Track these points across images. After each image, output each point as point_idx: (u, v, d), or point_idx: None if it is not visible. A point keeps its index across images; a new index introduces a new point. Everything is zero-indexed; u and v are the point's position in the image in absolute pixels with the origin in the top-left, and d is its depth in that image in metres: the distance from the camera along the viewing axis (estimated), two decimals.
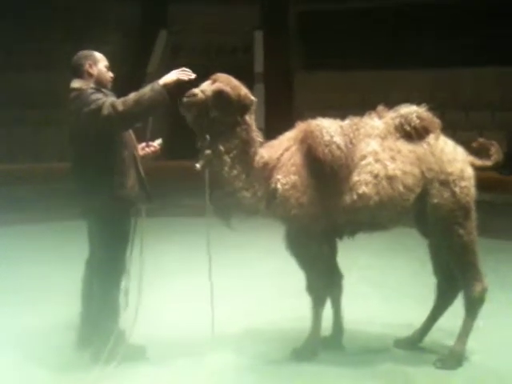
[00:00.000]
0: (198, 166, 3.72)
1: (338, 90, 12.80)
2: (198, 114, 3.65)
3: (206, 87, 3.67)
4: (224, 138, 3.70)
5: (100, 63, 3.89)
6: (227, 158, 3.71)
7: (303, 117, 3.99)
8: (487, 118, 11.54)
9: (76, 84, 3.82)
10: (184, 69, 3.67)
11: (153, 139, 4.22)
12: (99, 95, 3.66)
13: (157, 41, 15.21)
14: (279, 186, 3.74)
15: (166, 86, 3.58)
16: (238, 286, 5.56)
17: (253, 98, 3.76)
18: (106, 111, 3.52)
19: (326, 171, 3.69)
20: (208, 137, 3.67)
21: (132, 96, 3.59)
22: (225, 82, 3.68)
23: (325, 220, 3.76)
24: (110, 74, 3.96)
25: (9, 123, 12.11)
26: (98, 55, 3.94)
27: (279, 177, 3.76)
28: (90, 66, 3.85)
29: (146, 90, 3.58)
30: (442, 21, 12.98)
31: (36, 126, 12.06)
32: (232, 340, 4.33)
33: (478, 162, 3.87)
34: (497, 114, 11.59)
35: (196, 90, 3.63)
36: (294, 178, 3.74)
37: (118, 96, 3.82)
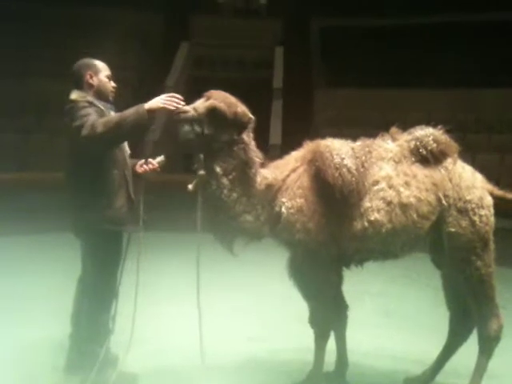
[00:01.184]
0: (189, 186, 3.55)
1: (357, 108, 12.62)
2: (190, 132, 3.45)
3: (199, 104, 3.49)
4: (220, 159, 3.49)
5: (101, 73, 3.74)
6: (226, 181, 3.49)
7: (321, 134, 3.81)
8: (509, 141, 11.23)
9: (73, 95, 3.67)
10: (173, 95, 3.50)
11: (156, 154, 4.02)
12: (89, 110, 3.50)
13: (178, 52, 15.17)
14: (284, 209, 3.52)
15: (150, 111, 3.42)
16: (240, 309, 5.40)
17: (251, 115, 3.55)
18: (85, 131, 3.35)
19: (335, 196, 3.46)
20: (202, 156, 3.49)
21: (115, 117, 3.43)
22: (219, 99, 3.49)
23: (333, 247, 3.53)
24: (113, 84, 3.81)
25: (25, 130, 12.10)
26: (100, 64, 3.78)
27: (284, 200, 3.54)
28: (91, 76, 3.70)
29: (130, 112, 3.39)
30: (466, 40, 12.78)
31: (53, 134, 12.04)
32: (231, 368, 4.12)
33: (499, 192, 3.64)
34: None
35: (188, 107, 3.46)
36: (300, 201, 3.52)
37: (119, 109, 3.65)
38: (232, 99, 3.53)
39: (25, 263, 6.70)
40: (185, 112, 3.43)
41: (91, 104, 3.59)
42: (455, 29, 12.97)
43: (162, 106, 3.42)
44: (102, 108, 3.64)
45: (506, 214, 3.83)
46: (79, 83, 3.70)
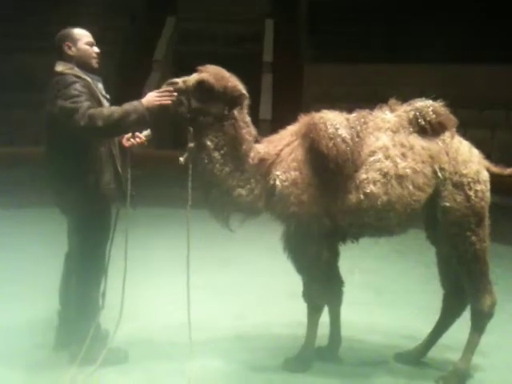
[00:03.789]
0: (181, 159, 3.51)
1: (348, 83, 12.50)
2: (179, 104, 3.43)
3: (190, 77, 3.47)
4: (211, 133, 3.48)
5: (80, 42, 3.62)
6: (217, 155, 3.49)
7: (311, 109, 3.74)
8: (501, 117, 11.19)
9: (59, 67, 3.57)
10: (166, 89, 3.44)
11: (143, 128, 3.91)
12: (77, 87, 3.40)
13: (165, 27, 14.93)
14: (278, 182, 3.49)
15: (149, 109, 3.37)
16: (231, 284, 5.37)
17: (243, 92, 3.51)
18: (82, 122, 3.27)
19: (329, 167, 3.41)
20: (191, 129, 3.47)
21: (115, 114, 3.33)
22: (211, 73, 3.47)
23: (327, 220, 3.49)
24: (95, 50, 3.68)
25: (8, 105, 11.90)
26: (78, 33, 3.66)
27: (278, 173, 3.50)
28: (69, 47, 3.61)
29: (130, 109, 3.34)
30: (458, 16, 12.67)
31: (37, 109, 11.85)
32: (220, 345, 4.08)
33: (495, 169, 3.59)
34: (511, 114, 11.25)
35: (177, 79, 3.46)
36: (294, 174, 3.47)
37: (105, 79, 3.64)
38: (224, 73, 3.50)
39: (10, 238, 6.60)
40: (174, 84, 3.42)
41: (79, 78, 3.50)
42: (446, 3, 12.84)
43: (158, 104, 3.37)
44: (90, 81, 3.56)
45: (501, 190, 3.79)
46: (61, 55, 3.61)
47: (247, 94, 3.54)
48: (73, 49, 3.60)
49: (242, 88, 3.52)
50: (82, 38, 3.64)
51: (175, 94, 3.41)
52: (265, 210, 3.64)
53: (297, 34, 15.02)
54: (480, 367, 3.76)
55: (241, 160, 3.53)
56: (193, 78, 3.46)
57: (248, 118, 3.59)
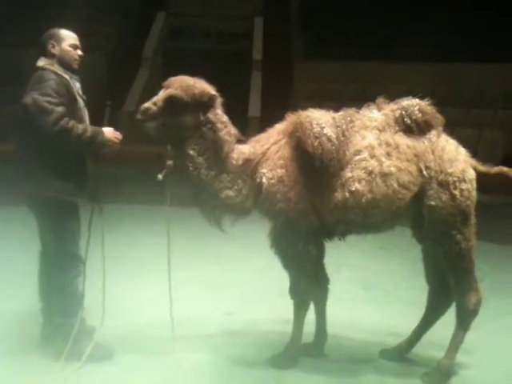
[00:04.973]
0: (159, 176, 3.58)
1: (337, 81, 12.56)
2: (157, 127, 3.49)
3: (158, 97, 3.50)
4: (192, 141, 3.52)
5: (64, 42, 3.72)
6: (201, 160, 3.53)
7: (300, 107, 3.76)
8: (488, 116, 11.27)
9: (40, 62, 3.67)
10: (118, 136, 3.65)
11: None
12: (54, 86, 3.49)
13: (154, 23, 14.89)
14: (264, 180, 3.52)
15: (105, 143, 3.58)
16: (219, 281, 5.37)
17: (213, 92, 3.53)
18: (53, 127, 3.39)
19: (315, 165, 3.43)
20: (169, 147, 3.57)
21: (84, 135, 3.47)
22: (176, 86, 3.48)
23: (314, 217, 3.52)
24: (78, 53, 3.78)
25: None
26: (64, 33, 3.75)
27: (264, 171, 3.53)
28: (53, 45, 3.70)
29: (96, 136, 3.52)
30: (448, 14, 12.73)
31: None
32: (209, 340, 4.10)
33: (481, 168, 3.61)
34: (499, 112, 11.33)
35: (147, 104, 3.49)
36: (280, 171, 3.50)
37: (83, 78, 3.77)
38: (189, 81, 3.52)
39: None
40: (146, 110, 3.45)
41: (57, 74, 3.58)
42: (438, 2, 12.90)
43: (112, 147, 3.63)
44: (68, 78, 3.64)
45: (488, 188, 3.81)
46: (45, 52, 3.70)
47: (217, 94, 3.55)
48: (56, 48, 3.69)
49: (210, 89, 3.53)
50: (67, 39, 3.74)
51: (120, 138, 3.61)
52: (253, 209, 3.67)
53: (287, 31, 15.04)
54: (464, 364, 3.80)
55: (224, 162, 3.56)
56: (161, 97, 3.48)
57: (225, 118, 3.60)
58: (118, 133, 3.68)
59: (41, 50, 3.70)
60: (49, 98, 3.42)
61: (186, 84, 3.48)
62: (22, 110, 3.49)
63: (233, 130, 3.62)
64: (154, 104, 3.46)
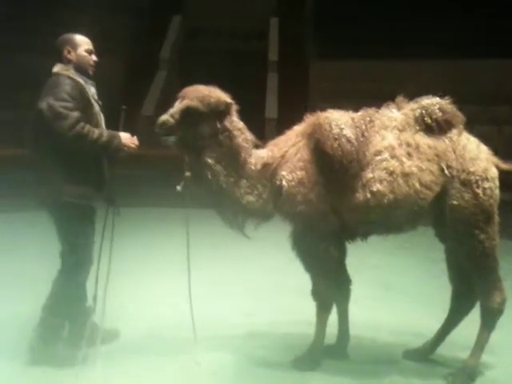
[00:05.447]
0: (178, 187, 3.60)
1: (354, 80, 12.46)
2: (176, 139, 3.52)
3: (175, 109, 3.52)
4: (209, 150, 3.54)
5: (80, 48, 3.75)
6: (219, 168, 3.55)
7: (317, 107, 3.76)
8: (507, 113, 11.14)
9: (56, 68, 3.71)
10: (135, 142, 3.68)
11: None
12: (69, 91, 3.52)
13: (170, 25, 14.94)
14: (284, 182, 3.51)
15: (121, 147, 3.62)
16: (239, 282, 5.39)
17: (229, 100, 3.55)
18: (68, 132, 3.43)
19: (335, 167, 3.42)
20: (187, 158, 3.58)
21: (100, 140, 3.51)
22: (192, 96, 3.50)
23: (334, 219, 3.51)
24: (93, 58, 3.81)
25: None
26: (79, 39, 3.77)
27: (284, 173, 3.53)
28: (69, 51, 3.73)
29: (111, 140, 3.56)
30: (463, 10, 12.61)
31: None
32: (230, 341, 4.11)
33: (504, 166, 3.56)
34: None
35: (164, 117, 3.51)
36: (300, 173, 3.49)
37: (98, 82, 3.77)
38: (204, 91, 3.54)
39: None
40: (164, 123, 3.47)
41: (72, 79, 3.61)
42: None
43: (128, 151, 3.65)
44: (83, 83, 3.67)
45: (510, 186, 3.76)
46: (60, 58, 3.72)
47: (232, 102, 3.56)
48: (72, 53, 3.72)
49: (225, 98, 3.55)
50: (83, 44, 3.77)
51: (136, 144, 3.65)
52: (275, 213, 3.67)
53: (302, 31, 14.99)
54: (489, 364, 3.76)
55: (242, 168, 3.57)
56: (178, 109, 3.50)
57: (241, 125, 3.62)
58: (134, 138, 3.70)
59: (56, 55, 3.73)
60: (64, 103, 3.46)
61: (201, 94, 3.50)
62: (38, 115, 3.52)
63: (249, 135, 3.64)
64: (172, 116, 3.48)
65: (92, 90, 3.75)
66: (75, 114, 3.46)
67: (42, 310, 3.77)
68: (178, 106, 3.52)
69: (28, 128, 3.75)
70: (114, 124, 3.81)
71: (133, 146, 3.67)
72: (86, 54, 3.75)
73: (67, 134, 3.42)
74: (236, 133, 3.57)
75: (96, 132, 3.52)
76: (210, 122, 3.51)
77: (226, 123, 3.54)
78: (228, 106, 3.54)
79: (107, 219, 3.79)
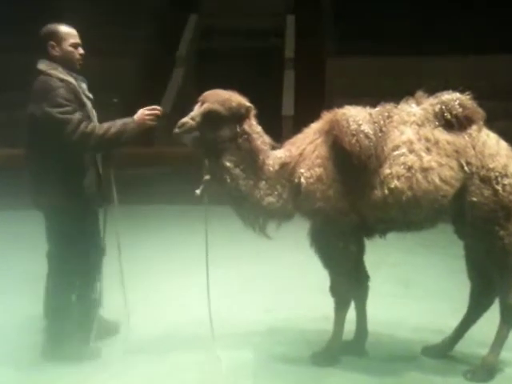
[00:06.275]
0: (197, 192, 3.61)
1: (370, 76, 12.45)
2: (195, 141, 3.55)
3: (196, 112, 3.55)
4: (228, 153, 3.55)
5: (65, 42, 3.58)
6: (238, 171, 3.56)
7: (334, 104, 3.75)
8: None
9: (42, 65, 3.55)
10: (154, 107, 3.62)
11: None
12: (62, 93, 3.43)
13: (187, 24, 15.00)
14: (303, 179, 3.51)
15: (140, 126, 3.56)
16: (257, 278, 5.41)
17: (248, 104, 3.57)
18: (73, 136, 3.37)
19: (353, 163, 3.41)
20: (206, 162, 3.58)
21: (108, 133, 3.46)
22: (213, 100, 3.52)
23: (353, 216, 3.50)
24: (80, 52, 3.65)
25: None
26: (64, 31, 3.59)
27: (302, 170, 3.53)
28: (53, 47, 3.57)
29: (122, 128, 3.51)
30: (481, 7, 12.51)
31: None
32: (247, 338, 4.13)
33: None
34: None
35: (186, 119, 3.53)
36: (318, 170, 3.49)
37: (90, 80, 3.70)
38: (225, 95, 3.56)
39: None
40: (184, 125, 3.50)
41: (62, 80, 3.49)
42: None
43: (150, 125, 3.60)
44: (74, 82, 3.56)
45: None
46: (45, 52, 3.56)
47: (252, 106, 3.58)
48: (57, 49, 3.56)
49: (245, 102, 3.57)
50: (68, 38, 3.58)
51: (160, 111, 3.63)
52: (295, 211, 3.67)
53: (319, 27, 14.95)
54: (508, 361, 3.72)
55: (261, 170, 3.58)
56: (199, 112, 3.52)
57: (259, 128, 3.64)
58: (151, 107, 3.63)
59: (40, 48, 3.55)
60: (61, 109, 3.39)
61: (222, 98, 3.53)
62: (30, 119, 3.47)
63: (267, 138, 3.66)
64: (192, 119, 3.51)
65: (83, 86, 3.66)
66: (75, 116, 3.41)
67: (44, 316, 3.78)
68: (198, 109, 3.54)
69: (22, 131, 3.63)
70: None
71: (153, 115, 3.59)
72: (71, 48, 3.58)
73: (71, 139, 3.37)
74: (255, 136, 3.59)
75: (103, 127, 3.46)
76: (231, 125, 3.53)
77: (246, 126, 3.56)
78: (248, 109, 3.57)
79: (106, 219, 3.83)
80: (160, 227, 7.34)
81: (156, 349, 3.94)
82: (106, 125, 3.49)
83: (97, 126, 3.47)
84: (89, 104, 3.66)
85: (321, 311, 4.12)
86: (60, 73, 3.52)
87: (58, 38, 3.56)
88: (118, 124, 3.50)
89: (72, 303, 3.79)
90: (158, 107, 3.65)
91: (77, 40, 3.63)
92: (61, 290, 3.72)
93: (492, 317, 3.63)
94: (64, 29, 3.60)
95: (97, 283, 3.90)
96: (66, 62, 3.58)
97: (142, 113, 3.57)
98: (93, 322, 3.80)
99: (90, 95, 3.73)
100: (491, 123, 3.63)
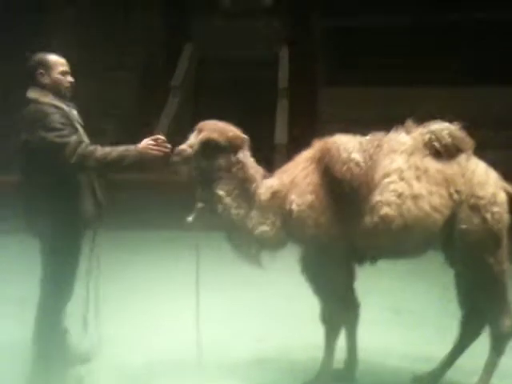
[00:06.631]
0: (189, 219, 3.63)
1: (363, 106, 12.56)
2: (191, 170, 3.59)
3: (193, 140, 3.59)
4: (222, 182, 3.58)
5: (54, 70, 3.60)
6: (229, 201, 3.57)
7: (327, 133, 3.77)
8: None
9: (32, 94, 3.57)
10: (158, 137, 3.58)
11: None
12: (57, 118, 3.45)
13: (182, 53, 15.14)
14: (294, 206, 3.52)
15: (143, 156, 3.51)
16: (248, 306, 5.37)
17: (243, 136, 3.64)
18: (72, 159, 3.37)
19: (344, 190, 3.45)
20: (200, 189, 3.61)
21: (108, 157, 3.44)
22: (211, 130, 3.58)
23: (344, 243, 3.52)
24: (69, 80, 3.68)
25: None
26: (53, 60, 3.62)
27: (294, 197, 3.54)
28: (42, 74, 3.58)
29: (124, 154, 3.48)
30: (469, 38, 12.78)
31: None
32: (239, 368, 4.10)
33: None
34: None
35: (183, 146, 3.57)
36: (310, 197, 3.51)
37: (80, 105, 3.71)
38: (221, 125, 3.63)
39: None
40: (182, 152, 3.54)
41: (56, 107, 3.52)
42: (459, 27, 12.97)
43: (152, 155, 3.50)
44: (66, 109, 3.59)
45: None
46: (34, 81, 3.59)
47: (247, 137, 3.65)
48: (46, 77, 3.58)
49: (241, 133, 3.63)
50: (56, 66, 3.60)
51: (168, 145, 3.57)
52: (288, 239, 3.68)
53: (312, 58, 15.15)
54: None
55: (253, 199, 3.59)
56: (197, 140, 3.56)
57: (252, 159, 3.68)
58: (156, 137, 3.57)
59: (29, 77, 3.57)
60: (57, 133, 3.39)
61: (219, 127, 3.59)
62: (28, 148, 3.46)
63: (260, 169, 3.69)
64: (190, 146, 3.55)
65: (74, 113, 3.68)
66: (73, 139, 3.41)
67: (32, 342, 3.72)
68: (195, 137, 3.58)
69: (16, 161, 3.62)
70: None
71: (159, 148, 3.52)
72: (60, 76, 3.60)
73: (71, 161, 3.36)
74: (249, 165, 3.63)
75: (104, 150, 3.45)
76: (226, 155, 3.57)
77: (240, 156, 3.61)
78: (244, 140, 3.63)
79: (95, 243, 3.82)
80: (149, 253, 7.31)
81: (141, 377, 3.91)
82: (107, 148, 3.48)
83: (98, 148, 3.46)
84: (81, 130, 3.68)
85: (312, 340, 4.07)
86: (52, 100, 3.55)
87: (46, 66, 3.58)
88: (119, 149, 3.50)
89: (61, 329, 3.78)
90: (163, 137, 3.59)
91: (65, 68, 3.65)
92: (52, 315, 3.70)
93: (482, 345, 3.64)
94: (53, 57, 3.64)
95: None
96: (56, 90, 3.59)
97: (146, 142, 3.56)
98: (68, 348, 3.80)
99: (81, 121, 3.75)
100: (480, 153, 3.69)
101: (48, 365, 3.68)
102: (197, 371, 3.85)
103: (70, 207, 3.59)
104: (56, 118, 3.45)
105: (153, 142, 3.54)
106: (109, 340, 4.05)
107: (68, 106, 3.64)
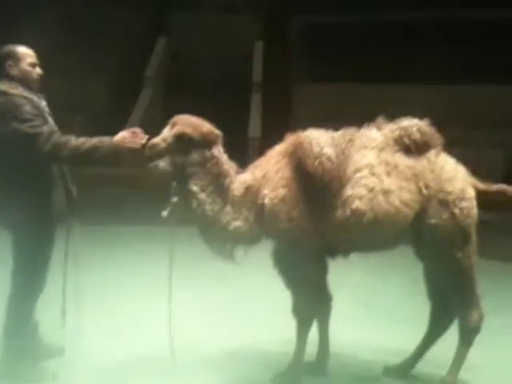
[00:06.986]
0: (164, 213, 3.60)
1: (337, 103, 12.64)
2: (164, 164, 3.56)
3: (167, 134, 3.57)
4: (196, 177, 3.57)
5: (23, 62, 3.59)
6: (204, 196, 3.56)
7: (301, 128, 3.79)
8: (486, 136, 11.40)
9: (1, 86, 3.54)
10: (135, 130, 3.56)
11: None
12: (28, 109, 3.43)
13: (155, 47, 15.05)
14: (267, 200, 3.54)
15: (119, 149, 3.50)
16: (221, 301, 5.37)
17: (217, 131, 3.64)
18: (44, 148, 3.36)
19: (317, 185, 3.48)
20: (174, 184, 3.59)
21: (82, 147, 3.42)
22: (184, 124, 3.56)
23: (316, 236, 3.55)
24: (38, 71, 3.67)
25: None
26: (21, 52, 3.61)
27: (266, 191, 3.56)
28: (10, 66, 3.58)
29: (98, 146, 3.45)
30: (445, 37, 12.92)
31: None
32: (212, 362, 4.11)
33: (481, 186, 3.65)
34: (496, 133, 11.46)
35: (156, 140, 3.55)
36: (282, 191, 3.53)
37: (47, 95, 3.67)
38: (196, 120, 3.61)
39: None
40: (155, 146, 3.51)
41: (26, 98, 3.50)
42: (435, 26, 13.12)
43: (128, 147, 3.48)
44: (36, 100, 3.57)
45: (489, 206, 3.83)
46: (3, 73, 3.58)
47: (220, 133, 3.64)
48: (15, 68, 3.57)
49: (214, 129, 3.63)
50: (25, 58, 3.60)
51: (145, 136, 3.54)
52: (262, 234, 3.68)
53: (286, 54, 15.19)
54: (467, 381, 3.79)
55: (227, 194, 3.59)
56: (170, 134, 3.54)
57: (225, 155, 3.67)
58: (135, 130, 3.56)
59: None
60: (30, 123, 3.39)
61: (193, 122, 3.58)
62: (2, 137, 3.42)
63: (233, 165, 3.69)
64: (164, 140, 3.53)
65: (43, 104, 3.66)
66: (46, 128, 3.41)
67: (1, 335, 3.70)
68: (169, 131, 3.56)
69: None
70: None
71: (135, 141, 3.50)
72: (29, 68, 3.59)
73: (44, 150, 3.35)
74: (223, 160, 3.63)
75: (78, 140, 3.43)
76: (201, 149, 3.56)
77: (215, 151, 3.60)
78: (217, 136, 3.62)
79: (69, 237, 3.79)
80: (123, 248, 7.25)
81: (114, 370, 3.89)
82: (81, 139, 3.46)
83: (72, 138, 3.44)
84: (51, 121, 3.66)
85: (284, 334, 4.10)
86: (21, 91, 3.53)
87: (15, 57, 3.58)
88: (93, 140, 3.47)
89: (32, 322, 3.76)
90: (139, 130, 3.58)
91: (34, 60, 3.65)
92: (22, 308, 3.67)
93: (451, 338, 3.71)
94: (21, 49, 3.63)
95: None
96: (25, 81, 3.57)
97: (122, 135, 3.54)
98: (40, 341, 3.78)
99: (51, 113, 3.72)
100: (451, 150, 3.75)
101: (18, 358, 3.66)
102: (171, 365, 3.84)
103: (42, 199, 3.56)
104: (27, 109, 3.43)
105: (128, 135, 3.52)
106: (83, 334, 4.01)
107: (38, 97, 3.62)
